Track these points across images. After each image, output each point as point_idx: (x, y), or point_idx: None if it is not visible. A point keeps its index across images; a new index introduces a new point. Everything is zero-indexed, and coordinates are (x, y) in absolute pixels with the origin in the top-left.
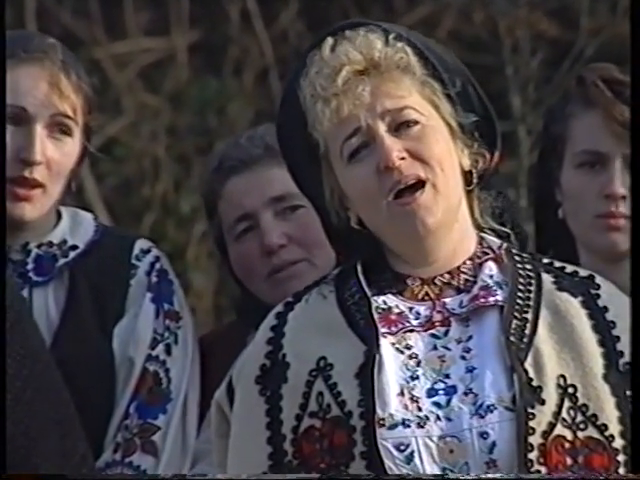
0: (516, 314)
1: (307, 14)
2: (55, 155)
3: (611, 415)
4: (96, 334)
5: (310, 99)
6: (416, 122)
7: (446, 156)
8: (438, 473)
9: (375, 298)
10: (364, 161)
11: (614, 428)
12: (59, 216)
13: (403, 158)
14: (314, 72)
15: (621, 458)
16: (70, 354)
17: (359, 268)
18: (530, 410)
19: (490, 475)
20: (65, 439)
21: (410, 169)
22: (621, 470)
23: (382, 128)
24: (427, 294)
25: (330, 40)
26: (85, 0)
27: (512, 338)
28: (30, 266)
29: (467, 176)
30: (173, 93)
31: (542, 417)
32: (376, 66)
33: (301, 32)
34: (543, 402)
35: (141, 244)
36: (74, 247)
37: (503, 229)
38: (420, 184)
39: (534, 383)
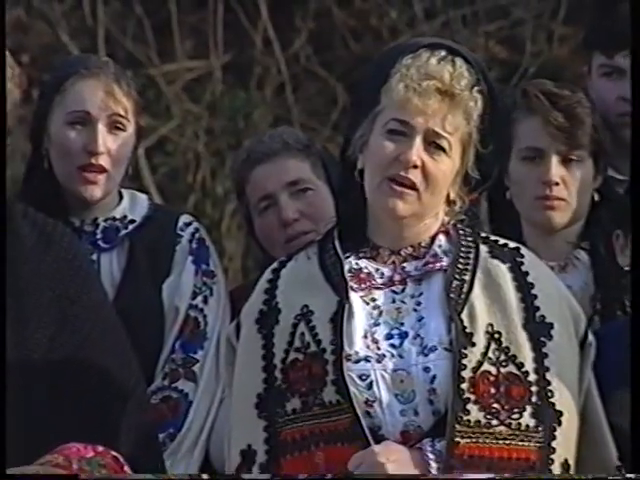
0: (456, 276)
1: (314, 41)
2: (114, 146)
3: (527, 356)
4: (149, 288)
5: (398, 75)
6: (444, 150)
7: (443, 183)
8: (392, 399)
9: (350, 260)
10: (394, 142)
11: (529, 366)
12: (121, 196)
13: (416, 166)
14: (416, 64)
15: (534, 389)
16: (129, 304)
17: (335, 235)
18: (463, 351)
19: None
20: (123, 367)
21: (412, 174)
22: (533, 398)
23: (420, 136)
24: (393, 261)
25: (443, 53)
26: (143, 30)
27: (452, 295)
28: (99, 236)
29: (449, 203)
30: (210, 103)
31: (472, 356)
32: (452, 96)
33: (309, 55)
34: (474, 344)
35: (184, 218)
36: (132, 221)
37: (462, 217)
38: (413, 187)
39: (467, 330)
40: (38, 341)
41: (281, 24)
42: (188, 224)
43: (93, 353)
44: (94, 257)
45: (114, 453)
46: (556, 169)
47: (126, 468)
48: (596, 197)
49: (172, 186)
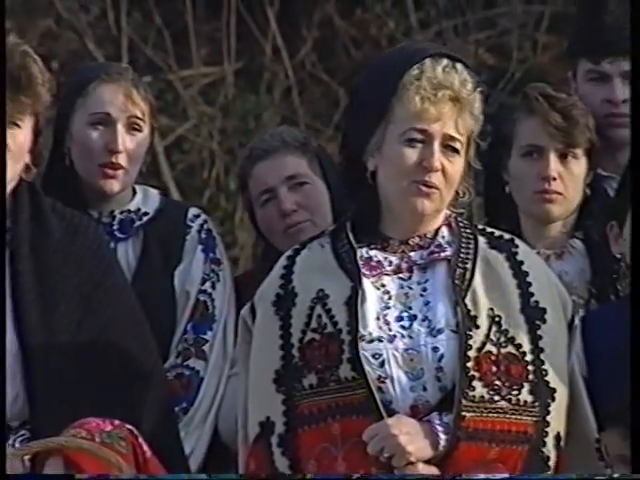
0: (460, 264)
1: (318, 49)
2: (131, 146)
3: (524, 337)
4: (162, 275)
5: (410, 85)
6: (457, 152)
7: (456, 179)
8: (402, 376)
9: (361, 250)
10: (415, 149)
11: (526, 346)
12: (134, 191)
13: (438, 169)
14: (426, 75)
15: (530, 368)
16: (144, 289)
17: (348, 226)
18: (469, 332)
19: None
20: (142, 348)
21: (435, 177)
22: (530, 376)
23: (438, 141)
24: (402, 250)
25: (445, 61)
26: (162, 39)
27: (456, 281)
28: (115, 227)
29: (457, 197)
30: (224, 105)
31: (476, 337)
32: (461, 101)
33: (314, 61)
34: (477, 327)
35: (193, 211)
36: (146, 213)
37: (460, 211)
38: (436, 188)
39: (472, 313)
40: (66, 325)
41: (288, 33)
42: (197, 216)
43: (115, 335)
44: (112, 246)
45: (129, 426)
46: (554, 165)
47: (141, 440)
48: (588, 191)
49: (189, 182)
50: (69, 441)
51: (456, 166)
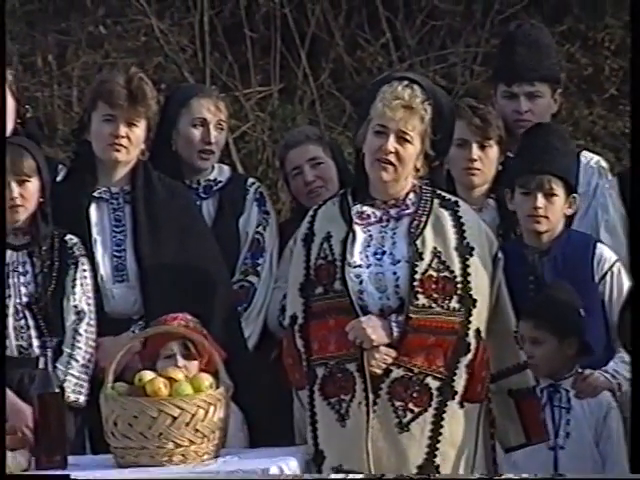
0: (417, 218)
1: (332, 75)
2: (218, 139)
3: (457, 267)
4: (231, 222)
5: (379, 98)
6: (408, 141)
7: (409, 160)
8: (376, 295)
9: (357, 206)
10: (378, 138)
11: (457, 272)
12: (213, 167)
13: (391, 152)
14: (390, 90)
15: (459, 286)
16: (220, 231)
17: (349, 191)
18: (416, 262)
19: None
20: (218, 269)
21: (391, 157)
22: (459, 292)
23: (393, 134)
24: (383, 207)
25: (406, 82)
26: (232, 69)
27: (412, 230)
28: (200, 190)
29: (417, 170)
30: (271, 112)
31: (421, 265)
32: (411, 108)
33: (330, 83)
34: (422, 259)
35: (250, 180)
36: (220, 181)
37: (425, 181)
38: (391, 164)
39: (419, 250)
40: (167, 256)
41: (313, 65)
42: (253, 183)
43: (200, 262)
44: (198, 203)
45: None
46: (475, 151)
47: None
48: (499, 168)
49: (249, 161)
50: (171, 328)
51: (408, 151)
